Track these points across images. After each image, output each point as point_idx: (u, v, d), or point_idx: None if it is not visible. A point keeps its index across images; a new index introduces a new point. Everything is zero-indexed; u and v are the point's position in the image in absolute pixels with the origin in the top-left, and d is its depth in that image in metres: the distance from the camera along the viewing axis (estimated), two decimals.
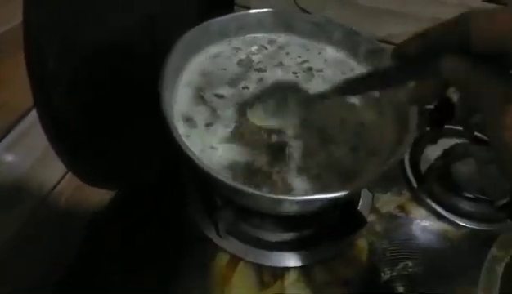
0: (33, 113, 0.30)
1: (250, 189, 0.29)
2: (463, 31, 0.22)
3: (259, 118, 0.37)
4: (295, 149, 0.36)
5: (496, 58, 0.22)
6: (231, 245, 0.44)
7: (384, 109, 0.40)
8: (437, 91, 0.27)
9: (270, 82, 0.42)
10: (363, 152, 0.36)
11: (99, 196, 0.46)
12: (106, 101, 0.35)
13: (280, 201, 0.31)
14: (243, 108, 0.39)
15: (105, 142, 0.38)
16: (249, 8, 0.57)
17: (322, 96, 0.36)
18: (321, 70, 0.44)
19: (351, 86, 0.33)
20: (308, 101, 0.36)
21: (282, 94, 0.37)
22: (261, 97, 0.38)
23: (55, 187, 0.37)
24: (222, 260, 0.44)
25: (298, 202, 0.31)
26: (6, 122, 0.28)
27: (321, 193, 0.31)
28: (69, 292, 0.43)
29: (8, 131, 0.28)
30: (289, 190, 0.33)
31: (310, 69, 0.44)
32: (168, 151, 0.41)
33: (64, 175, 0.38)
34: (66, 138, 0.31)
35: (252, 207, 0.35)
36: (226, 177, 0.31)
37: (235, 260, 0.44)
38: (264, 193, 0.30)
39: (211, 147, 0.35)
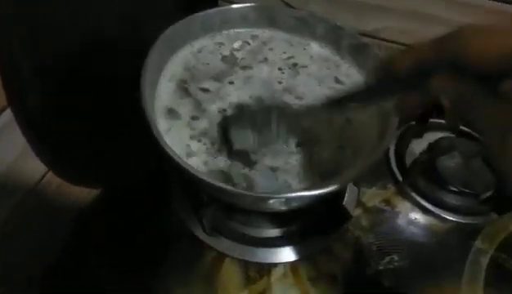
0: None
1: (233, 188, 0.29)
2: (456, 51, 0.21)
3: (241, 141, 0.36)
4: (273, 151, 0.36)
5: (493, 76, 0.20)
6: (218, 242, 0.44)
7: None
8: (425, 103, 0.26)
9: (256, 78, 0.41)
10: (349, 150, 0.36)
11: (86, 189, 0.46)
12: (85, 100, 0.34)
13: (263, 198, 0.31)
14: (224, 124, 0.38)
15: (85, 141, 0.37)
16: (233, 2, 0.57)
17: (308, 114, 0.36)
18: (306, 66, 0.43)
19: (336, 104, 0.33)
20: (294, 119, 0.36)
21: (265, 112, 0.37)
22: (242, 117, 0.37)
23: (42, 178, 0.37)
24: (209, 256, 0.44)
25: (281, 199, 0.31)
26: None
27: (305, 190, 0.31)
28: (56, 285, 0.43)
29: None
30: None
31: (295, 64, 0.43)
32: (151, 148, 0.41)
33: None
34: (43, 139, 0.30)
35: (237, 204, 0.35)
36: (205, 175, 0.30)
37: (221, 256, 0.44)
38: (249, 191, 0.30)
39: (187, 145, 0.35)
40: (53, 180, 0.39)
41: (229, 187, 0.29)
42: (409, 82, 0.25)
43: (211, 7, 0.45)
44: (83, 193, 0.46)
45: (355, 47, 0.43)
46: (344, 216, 0.41)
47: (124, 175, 0.45)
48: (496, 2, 0.47)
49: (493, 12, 0.47)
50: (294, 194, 0.31)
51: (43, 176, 0.38)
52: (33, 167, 0.36)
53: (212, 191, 0.34)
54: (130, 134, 0.40)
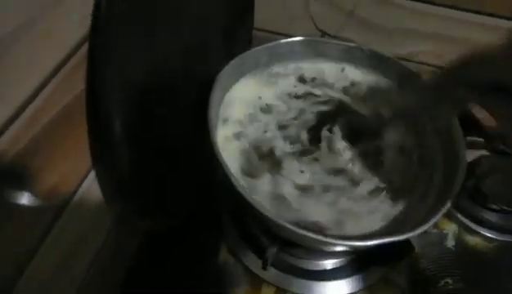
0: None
1: (318, 237, 0.29)
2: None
3: None
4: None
5: None
6: (275, 276, 0.44)
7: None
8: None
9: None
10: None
11: None
12: (161, 142, 0.34)
13: (343, 245, 0.32)
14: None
15: (159, 179, 0.36)
16: (268, 31, 0.57)
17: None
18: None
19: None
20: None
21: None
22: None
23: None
24: (267, 292, 0.44)
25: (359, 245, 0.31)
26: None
27: (372, 238, 0.32)
28: None
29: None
30: None
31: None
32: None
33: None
34: (128, 190, 0.30)
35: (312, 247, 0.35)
36: (298, 228, 0.30)
37: (279, 291, 0.44)
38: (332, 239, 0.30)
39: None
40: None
41: (320, 237, 0.29)
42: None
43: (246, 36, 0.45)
44: None
45: (403, 76, 0.43)
46: (407, 247, 0.41)
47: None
48: None
49: None
50: (369, 243, 0.31)
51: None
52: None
53: (294, 238, 0.34)
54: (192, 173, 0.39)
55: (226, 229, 0.47)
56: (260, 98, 0.42)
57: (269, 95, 0.42)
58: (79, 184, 0.27)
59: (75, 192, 0.27)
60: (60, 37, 0.21)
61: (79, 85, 0.24)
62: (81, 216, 0.30)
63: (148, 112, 0.28)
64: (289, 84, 0.44)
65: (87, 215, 0.31)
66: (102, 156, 0.26)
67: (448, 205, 0.32)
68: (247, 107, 0.41)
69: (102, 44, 0.21)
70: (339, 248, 0.34)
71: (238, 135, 0.39)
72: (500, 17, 0.50)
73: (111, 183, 0.28)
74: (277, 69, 0.44)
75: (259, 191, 0.35)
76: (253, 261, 0.44)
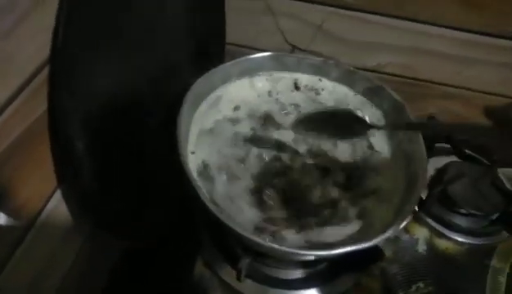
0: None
1: (287, 249, 0.30)
2: None
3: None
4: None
5: None
6: (251, 287, 0.44)
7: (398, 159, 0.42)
8: None
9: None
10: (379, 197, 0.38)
11: None
12: (126, 159, 0.35)
13: (309, 255, 0.33)
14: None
15: (128, 196, 0.37)
16: (241, 46, 0.58)
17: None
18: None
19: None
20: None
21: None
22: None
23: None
24: None
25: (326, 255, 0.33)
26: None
27: (341, 247, 0.33)
28: None
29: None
30: None
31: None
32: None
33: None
34: (94, 208, 0.30)
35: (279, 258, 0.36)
36: (260, 238, 0.31)
37: None
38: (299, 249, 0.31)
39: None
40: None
41: (281, 247, 0.30)
42: None
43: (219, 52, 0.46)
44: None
45: (369, 89, 0.45)
46: (377, 253, 0.42)
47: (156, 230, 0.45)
48: (499, 39, 0.50)
49: (494, 48, 0.51)
50: (335, 251, 0.32)
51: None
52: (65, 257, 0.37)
53: (260, 249, 0.35)
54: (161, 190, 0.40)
55: (201, 241, 0.47)
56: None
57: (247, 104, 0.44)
58: (44, 205, 0.28)
59: (41, 211, 0.28)
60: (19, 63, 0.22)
61: (41, 107, 0.25)
62: (50, 234, 0.30)
63: (112, 131, 0.29)
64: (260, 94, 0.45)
65: (57, 232, 0.31)
66: (65, 174, 0.27)
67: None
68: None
69: (62, 69, 0.21)
70: (304, 257, 0.35)
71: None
72: (468, 31, 0.52)
73: (75, 199, 0.28)
74: (247, 82, 0.46)
75: None
76: (228, 273, 0.45)
